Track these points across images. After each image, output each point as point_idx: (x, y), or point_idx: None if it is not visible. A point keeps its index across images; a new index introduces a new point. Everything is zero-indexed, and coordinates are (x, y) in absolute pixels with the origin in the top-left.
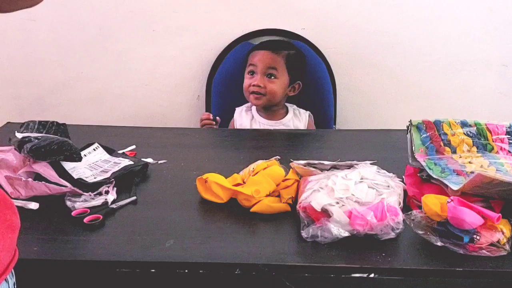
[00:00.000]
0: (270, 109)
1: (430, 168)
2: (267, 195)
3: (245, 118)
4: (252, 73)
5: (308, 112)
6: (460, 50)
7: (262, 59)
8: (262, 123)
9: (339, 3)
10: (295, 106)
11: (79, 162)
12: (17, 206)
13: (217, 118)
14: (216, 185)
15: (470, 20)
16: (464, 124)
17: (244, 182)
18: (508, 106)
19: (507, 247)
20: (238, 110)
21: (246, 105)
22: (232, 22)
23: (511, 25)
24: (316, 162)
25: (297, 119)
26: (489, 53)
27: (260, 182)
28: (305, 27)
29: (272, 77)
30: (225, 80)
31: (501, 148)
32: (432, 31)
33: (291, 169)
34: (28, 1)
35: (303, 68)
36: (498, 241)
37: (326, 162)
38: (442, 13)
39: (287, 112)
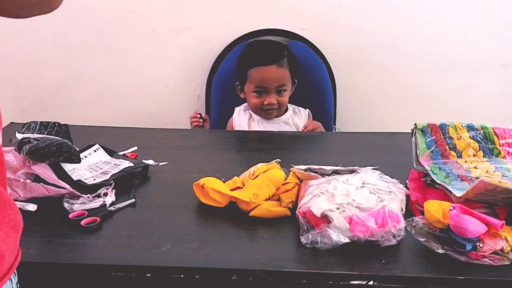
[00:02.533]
0: None
1: (434, 173)
2: (267, 199)
3: (243, 117)
4: (261, 93)
5: (307, 110)
6: (460, 51)
7: (272, 79)
8: (260, 121)
9: (339, 4)
10: (294, 106)
11: (79, 164)
12: None
13: (204, 115)
14: (213, 191)
15: (470, 21)
16: (470, 128)
17: (244, 186)
18: (508, 106)
19: (511, 255)
20: (237, 109)
21: (245, 104)
22: (232, 22)
23: (511, 26)
24: (316, 167)
25: (297, 116)
26: (489, 54)
27: (259, 186)
28: (305, 27)
29: (283, 92)
30: (225, 80)
31: (508, 153)
32: (432, 31)
33: (291, 172)
34: (45, 8)
35: (297, 66)
36: (502, 250)
37: (327, 168)
38: (442, 13)
39: (286, 110)
